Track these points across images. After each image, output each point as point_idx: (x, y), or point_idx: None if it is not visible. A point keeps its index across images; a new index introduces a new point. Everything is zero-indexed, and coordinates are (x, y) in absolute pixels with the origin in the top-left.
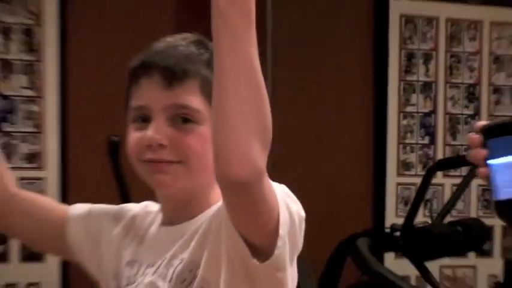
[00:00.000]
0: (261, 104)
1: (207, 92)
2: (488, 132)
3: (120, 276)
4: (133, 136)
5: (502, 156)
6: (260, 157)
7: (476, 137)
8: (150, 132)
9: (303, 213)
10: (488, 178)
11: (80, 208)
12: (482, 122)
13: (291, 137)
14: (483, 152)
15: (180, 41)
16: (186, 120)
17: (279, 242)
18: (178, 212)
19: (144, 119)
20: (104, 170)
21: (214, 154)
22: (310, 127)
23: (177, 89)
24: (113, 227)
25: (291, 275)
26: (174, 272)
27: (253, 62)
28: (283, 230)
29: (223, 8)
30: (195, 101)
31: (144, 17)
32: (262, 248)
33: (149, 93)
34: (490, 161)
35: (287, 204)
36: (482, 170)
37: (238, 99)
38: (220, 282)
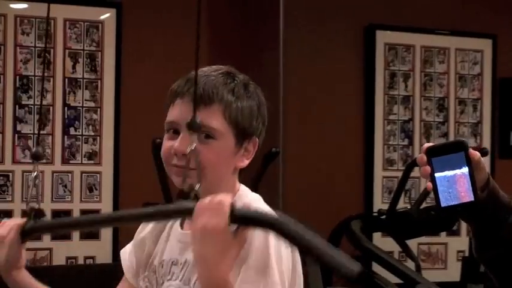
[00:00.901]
0: None
1: (228, 114)
2: (431, 153)
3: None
4: (165, 144)
5: (441, 171)
6: None
7: (423, 157)
8: (177, 143)
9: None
10: (433, 189)
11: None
12: (428, 144)
13: (299, 138)
14: (428, 169)
15: (212, 72)
16: (208, 136)
17: None
18: None
19: (175, 131)
20: (150, 166)
21: None
22: (314, 130)
23: (202, 111)
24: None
25: None
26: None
27: None
28: None
29: (205, 282)
30: (215, 122)
31: (184, 46)
32: None
33: (180, 112)
34: (433, 175)
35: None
36: (428, 184)
37: None
38: None
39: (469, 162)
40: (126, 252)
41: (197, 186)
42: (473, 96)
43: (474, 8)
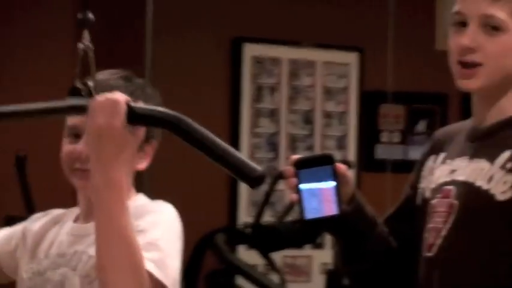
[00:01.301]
0: (132, 259)
1: None
2: (298, 165)
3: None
4: (67, 148)
5: (307, 183)
6: None
7: (289, 169)
8: (79, 146)
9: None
10: (298, 202)
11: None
12: (295, 156)
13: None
14: (294, 181)
15: (111, 76)
16: None
17: None
18: (90, 211)
19: (76, 136)
20: (10, 179)
21: None
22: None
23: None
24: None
25: None
26: (82, 266)
27: (123, 228)
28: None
29: (100, 188)
30: None
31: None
32: None
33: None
34: (298, 187)
35: (162, 260)
36: (292, 196)
37: (111, 257)
38: None
39: (336, 175)
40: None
41: (91, 83)
42: (340, 109)
43: (341, 21)
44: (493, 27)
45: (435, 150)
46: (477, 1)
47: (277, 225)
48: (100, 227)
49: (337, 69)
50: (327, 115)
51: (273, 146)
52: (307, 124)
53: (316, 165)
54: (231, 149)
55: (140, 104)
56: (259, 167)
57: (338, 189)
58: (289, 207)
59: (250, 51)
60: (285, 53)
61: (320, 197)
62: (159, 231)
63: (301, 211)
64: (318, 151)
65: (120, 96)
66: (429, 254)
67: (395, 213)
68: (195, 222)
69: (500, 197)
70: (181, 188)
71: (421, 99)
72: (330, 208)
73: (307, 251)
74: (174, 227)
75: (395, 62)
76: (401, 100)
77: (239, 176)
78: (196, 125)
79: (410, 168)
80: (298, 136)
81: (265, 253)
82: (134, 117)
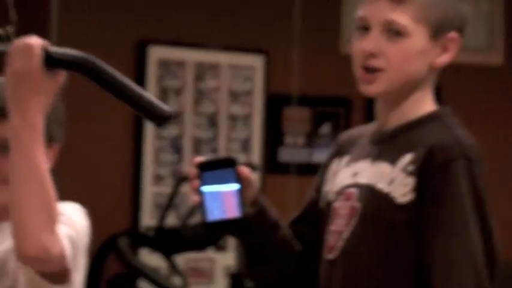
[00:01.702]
0: (45, 197)
1: None
2: (201, 167)
3: None
4: None
5: (211, 185)
6: (47, 237)
7: (192, 171)
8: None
9: (85, 241)
10: (200, 204)
11: None
12: (199, 158)
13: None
14: (197, 183)
15: None
16: None
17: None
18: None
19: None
20: None
21: (12, 233)
22: (81, 146)
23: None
24: None
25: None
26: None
27: (40, 168)
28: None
29: (19, 130)
30: None
31: None
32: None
33: None
34: (201, 189)
35: (76, 244)
36: (195, 198)
37: (27, 195)
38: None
39: (238, 178)
40: None
41: (10, 28)
42: (244, 112)
43: (246, 24)
44: (395, 32)
45: (339, 153)
46: (379, 6)
47: (180, 228)
48: (17, 168)
49: (242, 72)
50: (232, 118)
51: (178, 149)
52: (211, 127)
53: (220, 167)
54: (141, 90)
55: (56, 49)
56: (167, 107)
57: (240, 192)
58: (192, 210)
59: (156, 53)
60: (190, 56)
61: (222, 199)
62: (68, 229)
63: (203, 213)
64: (222, 154)
65: (36, 40)
66: (330, 257)
67: (300, 217)
68: (97, 225)
69: (401, 199)
70: (83, 190)
71: (325, 103)
72: (232, 211)
73: (210, 254)
74: (83, 227)
75: (300, 65)
76: (305, 103)
77: (147, 115)
78: (108, 67)
79: (314, 170)
80: (202, 139)
81: (168, 256)
82: (50, 60)
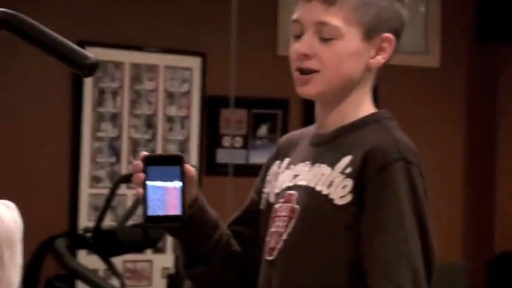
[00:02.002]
0: None
1: None
2: (147, 161)
3: None
4: None
5: (155, 181)
6: None
7: (138, 164)
8: None
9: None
10: (143, 197)
11: None
12: (145, 153)
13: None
14: (142, 176)
15: None
16: None
17: None
18: None
19: None
20: None
21: None
22: (17, 145)
23: None
24: None
25: None
26: None
27: None
28: None
29: None
30: None
31: None
32: None
33: None
34: (145, 183)
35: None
36: (139, 190)
37: None
38: None
39: (183, 176)
40: None
41: None
42: (182, 113)
43: (183, 26)
44: (328, 34)
45: (280, 155)
46: (312, 9)
47: (118, 230)
48: None
49: (179, 73)
50: (169, 119)
51: (115, 150)
52: (149, 128)
53: (165, 164)
54: (63, 40)
55: None
56: (91, 55)
57: (183, 191)
58: (130, 212)
59: (93, 54)
60: (128, 57)
61: (165, 195)
62: None
63: (145, 207)
64: None
65: None
66: (270, 258)
67: (239, 217)
68: (35, 226)
69: (339, 201)
70: (21, 192)
71: (263, 104)
72: (174, 208)
73: (148, 255)
74: (9, 221)
75: (237, 67)
76: (243, 105)
77: (73, 65)
78: (28, 19)
79: (252, 172)
80: (140, 140)
81: (105, 258)
82: None
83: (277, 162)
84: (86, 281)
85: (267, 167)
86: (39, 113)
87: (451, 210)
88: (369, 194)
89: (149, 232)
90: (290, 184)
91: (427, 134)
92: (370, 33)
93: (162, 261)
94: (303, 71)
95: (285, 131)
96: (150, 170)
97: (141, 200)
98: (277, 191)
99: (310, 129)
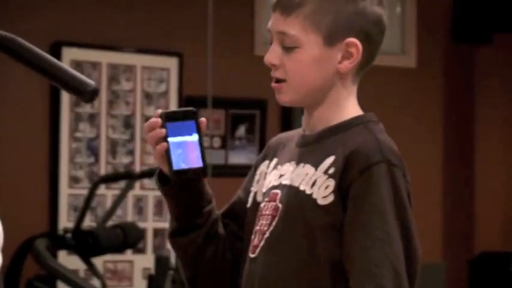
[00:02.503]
0: None
1: None
2: (166, 117)
3: None
4: None
5: (176, 136)
6: None
7: (157, 121)
8: None
9: None
10: (166, 152)
11: None
12: (160, 110)
13: None
14: (162, 132)
15: None
16: None
17: None
18: None
19: None
20: None
21: None
22: None
23: None
24: None
25: None
26: None
27: None
28: None
29: None
30: None
31: None
32: None
33: None
34: (168, 139)
35: None
36: (159, 147)
37: None
38: None
39: (199, 130)
40: None
41: None
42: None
43: (160, 26)
44: (288, 43)
45: (269, 156)
46: (275, 19)
47: (98, 230)
48: None
49: (156, 74)
50: (147, 119)
51: (93, 151)
52: (127, 129)
53: (181, 119)
54: (63, 66)
55: None
56: (91, 81)
57: (201, 143)
58: (110, 212)
59: (70, 55)
60: (105, 58)
61: (186, 149)
62: None
63: (169, 162)
64: (138, 156)
65: None
66: (252, 255)
67: (225, 212)
68: (14, 227)
69: (322, 201)
70: (4, 196)
71: (240, 105)
72: (195, 160)
73: (129, 255)
74: None
75: (215, 67)
76: (221, 105)
77: (73, 91)
78: (28, 45)
79: (230, 172)
80: (118, 140)
81: (86, 258)
82: None
83: (266, 162)
84: (66, 281)
85: (256, 166)
86: (16, 114)
87: (431, 211)
88: (351, 195)
89: (130, 232)
90: (275, 183)
91: (405, 135)
92: (330, 39)
93: (143, 261)
94: (276, 80)
95: (263, 131)
96: (169, 126)
97: (165, 156)
98: (264, 190)
99: (299, 131)
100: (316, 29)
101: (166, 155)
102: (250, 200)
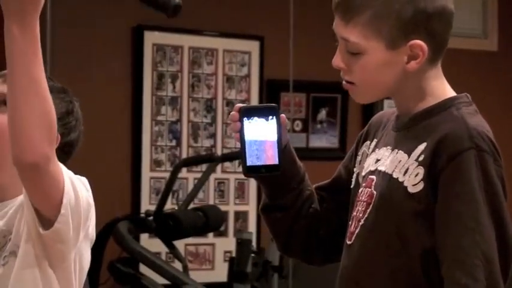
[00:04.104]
0: (46, 109)
1: None
2: (244, 112)
3: None
4: None
5: (251, 131)
6: (47, 146)
7: (235, 114)
8: None
9: (91, 201)
10: (241, 148)
11: None
12: (240, 104)
13: None
14: (238, 125)
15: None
16: None
17: (60, 218)
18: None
19: None
20: None
21: (12, 144)
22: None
23: None
24: None
25: (80, 255)
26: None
27: (41, 84)
28: (65, 209)
29: (18, 37)
30: None
31: None
32: (48, 219)
33: None
34: (244, 136)
35: (76, 188)
36: (236, 135)
37: (28, 107)
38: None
39: (279, 126)
40: None
41: None
42: (241, 97)
43: (241, 9)
44: (352, 49)
45: (370, 135)
46: (337, 23)
47: (179, 213)
48: (18, 81)
49: (238, 57)
50: (229, 103)
51: (175, 134)
52: (209, 112)
53: (261, 115)
54: None
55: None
56: None
57: (280, 141)
58: (192, 195)
59: (152, 39)
60: (186, 41)
61: (262, 146)
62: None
63: (243, 158)
64: (219, 139)
65: None
66: (349, 242)
67: (326, 185)
68: (97, 210)
69: (412, 189)
70: (88, 178)
71: (321, 88)
72: (271, 158)
73: (210, 239)
74: (84, 195)
75: (296, 51)
76: (302, 89)
77: (157, 7)
78: None
79: (311, 156)
80: (200, 124)
81: (167, 241)
82: None
83: (367, 142)
84: (148, 264)
85: (358, 144)
86: (99, 97)
87: None
88: (441, 183)
89: (212, 215)
90: (372, 168)
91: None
92: (393, 43)
93: (224, 244)
94: (346, 81)
95: (344, 115)
96: (245, 122)
97: (240, 151)
98: (363, 173)
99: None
100: (377, 35)
101: (241, 150)
102: (353, 181)
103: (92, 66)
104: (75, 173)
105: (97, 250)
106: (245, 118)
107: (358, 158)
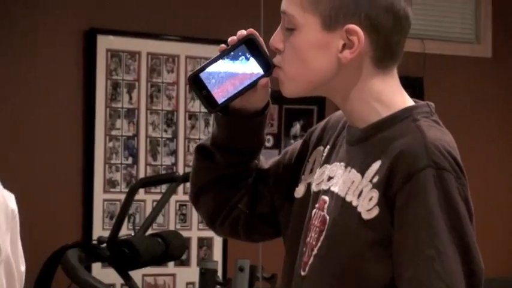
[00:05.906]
0: None
1: None
2: (246, 42)
3: None
4: None
5: (230, 63)
6: None
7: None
8: None
9: (13, 207)
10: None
11: None
12: (252, 30)
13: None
14: (233, 43)
15: None
16: None
17: None
18: None
19: None
20: None
21: None
22: (24, 147)
23: None
24: None
25: None
26: None
27: None
28: None
29: None
30: None
31: None
32: None
33: None
34: (223, 54)
35: None
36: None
37: None
38: None
39: (255, 83)
40: None
41: None
42: (205, 110)
43: (205, 11)
44: (288, 23)
45: (323, 140)
46: None
47: (136, 240)
48: None
49: (201, 64)
50: (191, 116)
51: (132, 151)
52: (169, 126)
53: (256, 58)
54: None
55: None
56: None
57: (242, 92)
58: (151, 219)
59: (106, 43)
60: (144, 46)
61: (228, 77)
62: None
63: (205, 65)
64: (181, 157)
65: None
66: (303, 273)
67: (269, 171)
68: (44, 235)
69: (366, 215)
70: (32, 199)
71: (296, 99)
72: (222, 93)
73: (171, 268)
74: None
75: None
76: (274, 99)
77: None
78: None
79: None
80: (159, 140)
81: (122, 271)
82: None
83: (320, 148)
84: None
85: (307, 145)
86: (49, 110)
87: (504, 222)
88: (397, 208)
89: (172, 242)
90: (325, 187)
91: (479, 129)
92: (329, 22)
93: (186, 275)
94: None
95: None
96: (238, 53)
97: (210, 60)
98: (315, 188)
99: None
100: (315, 9)
101: (211, 60)
102: (301, 188)
103: (38, 75)
104: (18, 192)
105: (44, 282)
106: (241, 49)
107: (309, 165)
